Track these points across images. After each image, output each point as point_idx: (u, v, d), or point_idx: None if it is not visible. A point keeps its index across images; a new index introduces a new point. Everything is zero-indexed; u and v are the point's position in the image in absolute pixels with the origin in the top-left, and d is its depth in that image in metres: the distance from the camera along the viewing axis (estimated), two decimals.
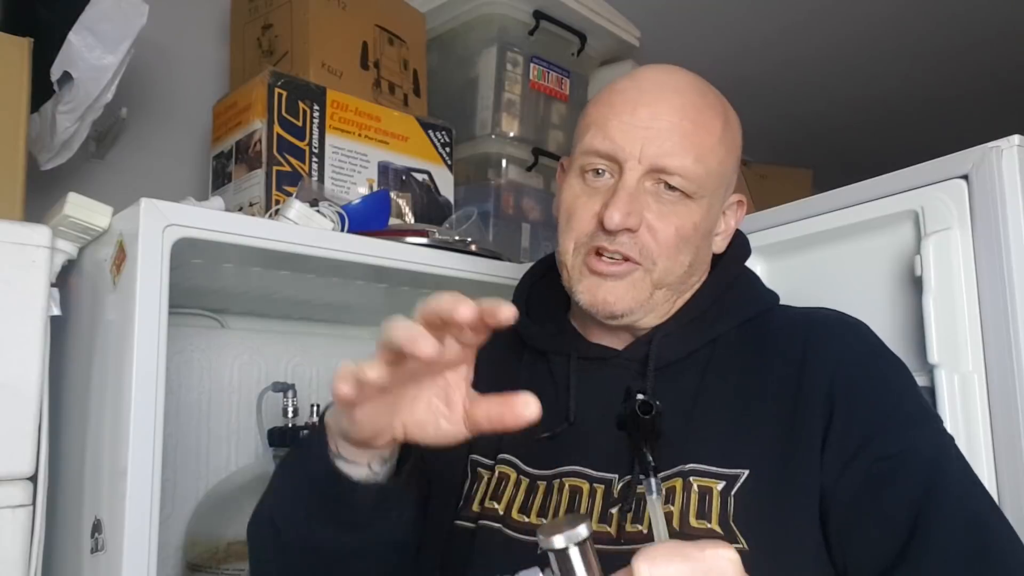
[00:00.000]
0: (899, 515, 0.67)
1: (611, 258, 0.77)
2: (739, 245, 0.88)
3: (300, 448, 0.79)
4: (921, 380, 0.93)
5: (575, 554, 0.48)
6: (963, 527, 0.65)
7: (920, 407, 0.74)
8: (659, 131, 0.76)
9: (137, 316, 0.91)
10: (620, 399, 0.79)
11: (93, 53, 1.08)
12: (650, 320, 0.81)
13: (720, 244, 0.85)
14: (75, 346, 1.06)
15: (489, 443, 0.82)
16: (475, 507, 0.79)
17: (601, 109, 0.80)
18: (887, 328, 0.98)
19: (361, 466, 0.66)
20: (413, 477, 0.72)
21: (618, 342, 0.83)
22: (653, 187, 0.77)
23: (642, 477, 0.60)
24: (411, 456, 0.71)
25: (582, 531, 0.48)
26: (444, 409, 0.61)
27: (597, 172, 0.78)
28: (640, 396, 0.63)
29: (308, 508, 0.69)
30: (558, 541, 0.47)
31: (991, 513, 0.69)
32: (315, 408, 1.36)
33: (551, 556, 0.48)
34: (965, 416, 0.89)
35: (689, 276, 0.80)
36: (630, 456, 0.74)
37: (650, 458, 0.60)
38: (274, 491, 0.75)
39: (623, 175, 0.76)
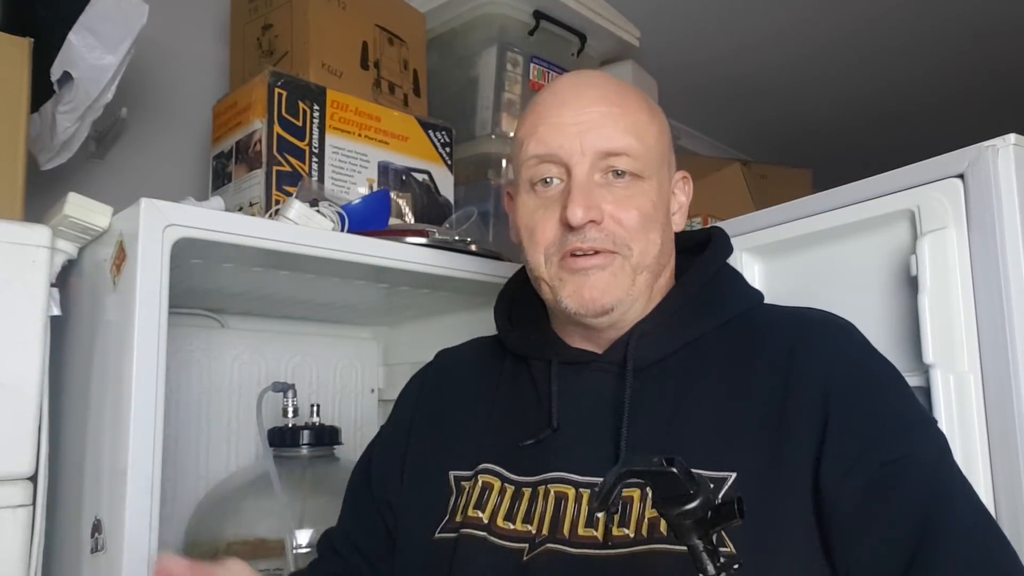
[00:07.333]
0: (906, 521, 0.66)
1: (586, 253, 0.77)
2: (719, 242, 0.87)
3: None
4: (916, 380, 0.92)
5: None
6: (973, 532, 0.65)
7: (918, 411, 0.74)
8: (591, 121, 0.77)
9: (137, 316, 0.91)
10: (602, 403, 0.78)
11: (93, 53, 1.08)
12: (634, 313, 0.80)
13: (679, 222, 0.85)
14: (75, 346, 1.06)
15: (467, 456, 0.83)
16: (457, 518, 0.79)
17: (529, 122, 0.81)
18: (882, 328, 0.98)
19: None
20: None
21: (598, 346, 0.83)
22: (603, 178, 0.78)
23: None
24: None
25: None
26: None
27: (546, 181, 0.79)
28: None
29: None
30: None
31: (990, 515, 0.69)
32: (315, 408, 1.36)
33: None
34: (960, 417, 0.88)
35: (661, 256, 0.81)
36: (615, 460, 0.74)
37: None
38: None
39: (572, 173, 0.77)
